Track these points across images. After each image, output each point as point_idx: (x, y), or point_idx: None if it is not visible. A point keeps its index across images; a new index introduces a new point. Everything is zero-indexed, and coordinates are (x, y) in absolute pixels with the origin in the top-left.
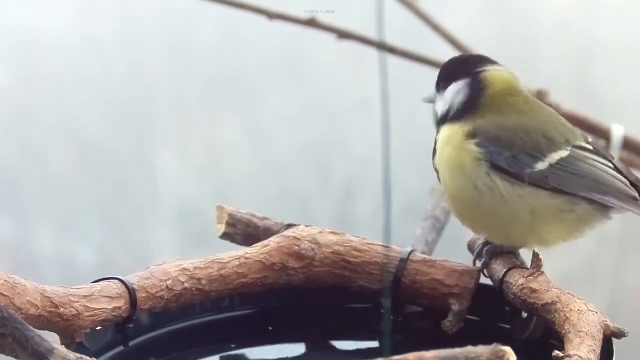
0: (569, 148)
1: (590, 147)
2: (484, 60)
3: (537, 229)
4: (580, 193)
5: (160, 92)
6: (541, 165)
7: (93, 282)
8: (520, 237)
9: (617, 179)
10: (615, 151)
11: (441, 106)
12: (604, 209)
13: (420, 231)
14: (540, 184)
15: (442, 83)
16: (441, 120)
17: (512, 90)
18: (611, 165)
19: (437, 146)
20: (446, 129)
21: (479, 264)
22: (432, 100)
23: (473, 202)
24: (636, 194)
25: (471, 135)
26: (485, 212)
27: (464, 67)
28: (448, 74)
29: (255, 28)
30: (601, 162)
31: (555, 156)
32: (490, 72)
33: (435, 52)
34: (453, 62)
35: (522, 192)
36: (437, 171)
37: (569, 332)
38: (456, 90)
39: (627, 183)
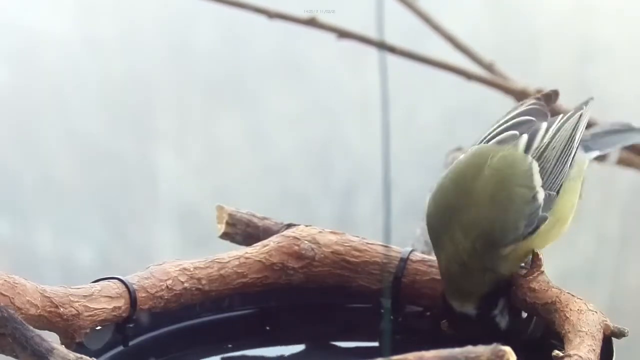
0: (530, 162)
1: (530, 118)
2: None
3: (570, 215)
4: (570, 163)
5: (160, 92)
6: (541, 195)
7: (93, 282)
8: (562, 231)
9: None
10: (615, 151)
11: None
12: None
13: (420, 231)
14: (554, 197)
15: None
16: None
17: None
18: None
19: None
20: None
21: None
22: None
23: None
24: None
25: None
26: (550, 239)
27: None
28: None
29: (255, 28)
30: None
31: (537, 178)
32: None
33: (435, 52)
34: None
35: (552, 214)
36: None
37: (569, 332)
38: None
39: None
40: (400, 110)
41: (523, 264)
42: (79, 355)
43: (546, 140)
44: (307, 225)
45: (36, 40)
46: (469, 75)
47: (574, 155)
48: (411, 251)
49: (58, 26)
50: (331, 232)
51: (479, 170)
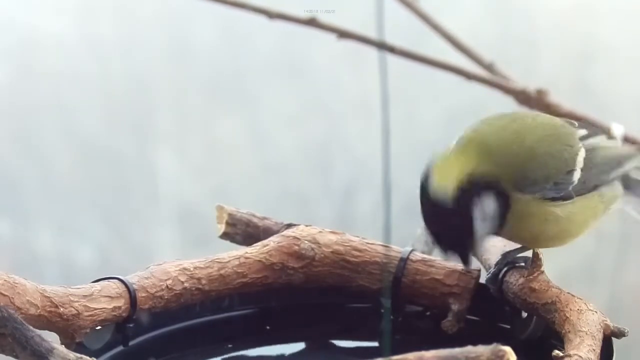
0: (580, 144)
1: (586, 131)
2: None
3: (579, 233)
4: (611, 177)
5: (160, 92)
6: (577, 175)
7: (93, 282)
8: (561, 243)
9: (617, 145)
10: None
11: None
12: (623, 181)
13: (420, 231)
14: (583, 191)
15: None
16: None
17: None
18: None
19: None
20: None
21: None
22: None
23: (542, 235)
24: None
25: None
26: (548, 237)
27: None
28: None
29: (255, 28)
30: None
31: (580, 160)
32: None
33: (435, 52)
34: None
35: (572, 209)
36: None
37: (569, 332)
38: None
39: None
40: (400, 110)
41: (524, 257)
42: (79, 355)
43: (601, 144)
44: (307, 225)
45: (36, 40)
46: (469, 75)
47: (614, 179)
48: (411, 251)
49: (58, 26)
50: (331, 232)
51: (523, 118)
